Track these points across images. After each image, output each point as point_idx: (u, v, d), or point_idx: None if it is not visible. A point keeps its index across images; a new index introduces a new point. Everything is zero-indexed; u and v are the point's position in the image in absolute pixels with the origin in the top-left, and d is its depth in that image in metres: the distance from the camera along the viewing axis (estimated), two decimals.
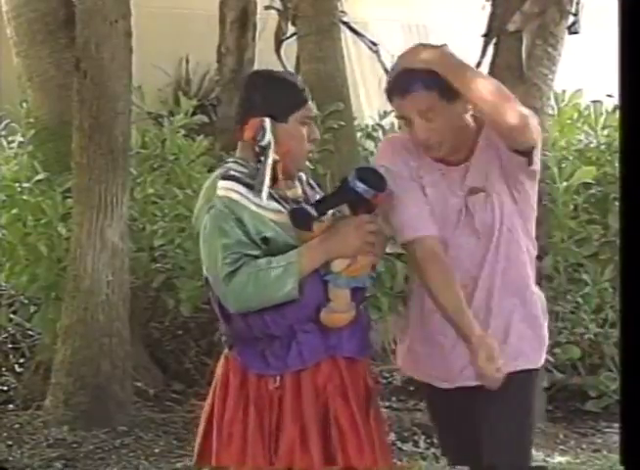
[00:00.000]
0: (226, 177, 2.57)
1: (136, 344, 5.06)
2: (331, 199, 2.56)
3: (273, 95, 2.58)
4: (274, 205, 2.56)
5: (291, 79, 2.64)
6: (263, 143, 2.54)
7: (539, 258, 5.48)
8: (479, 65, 5.62)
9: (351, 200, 2.52)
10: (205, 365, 5.36)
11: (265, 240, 2.53)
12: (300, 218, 2.51)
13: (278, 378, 2.53)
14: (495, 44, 5.62)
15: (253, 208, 2.53)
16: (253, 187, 2.53)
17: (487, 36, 5.63)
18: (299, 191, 2.63)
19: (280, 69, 6.14)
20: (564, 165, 5.51)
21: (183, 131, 5.60)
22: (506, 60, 5.52)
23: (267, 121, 2.55)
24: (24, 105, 5.48)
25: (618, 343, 3.94)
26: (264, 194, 2.52)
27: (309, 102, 2.61)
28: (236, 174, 2.57)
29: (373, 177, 2.50)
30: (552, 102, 5.66)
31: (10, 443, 4.43)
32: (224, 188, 2.56)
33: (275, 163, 2.56)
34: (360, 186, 2.49)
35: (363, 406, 2.57)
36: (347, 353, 2.56)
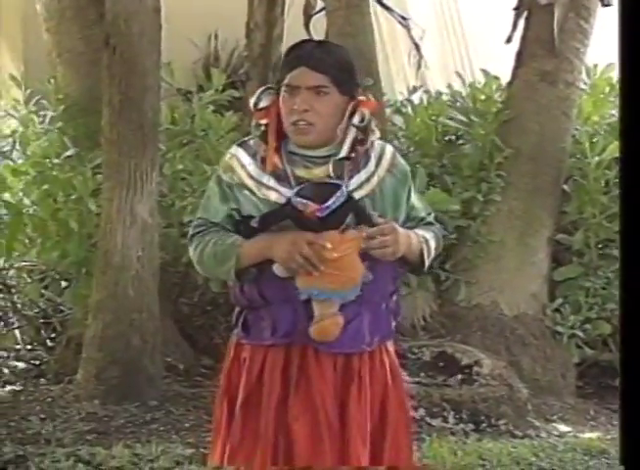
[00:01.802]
0: (239, 144, 2.57)
1: (166, 319, 5.08)
2: (276, 212, 2.47)
3: (280, 64, 2.57)
4: (268, 181, 2.50)
5: (295, 48, 2.54)
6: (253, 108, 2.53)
7: (570, 233, 5.51)
8: (509, 39, 5.58)
9: (290, 215, 2.44)
10: None
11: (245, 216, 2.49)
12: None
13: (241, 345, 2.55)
14: (526, 18, 5.57)
15: (246, 180, 2.51)
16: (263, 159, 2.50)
17: (519, 9, 5.58)
18: (322, 172, 2.50)
19: None
20: (595, 140, 5.46)
21: (212, 107, 5.59)
22: (537, 33, 5.47)
23: (260, 89, 2.53)
24: (54, 81, 5.49)
25: (619, 343, 3.87)
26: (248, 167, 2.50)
27: (298, 69, 2.47)
28: (250, 143, 2.55)
29: (318, 190, 2.42)
30: (584, 76, 5.60)
31: (43, 416, 4.48)
32: (230, 154, 2.56)
33: (267, 131, 2.50)
34: (296, 199, 2.42)
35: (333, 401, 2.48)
36: (323, 347, 2.48)
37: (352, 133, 2.49)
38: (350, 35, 5.35)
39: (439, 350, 4.86)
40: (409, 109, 5.85)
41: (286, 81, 2.49)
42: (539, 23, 5.45)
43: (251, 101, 2.53)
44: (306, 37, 6.09)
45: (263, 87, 2.55)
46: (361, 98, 2.52)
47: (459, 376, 4.69)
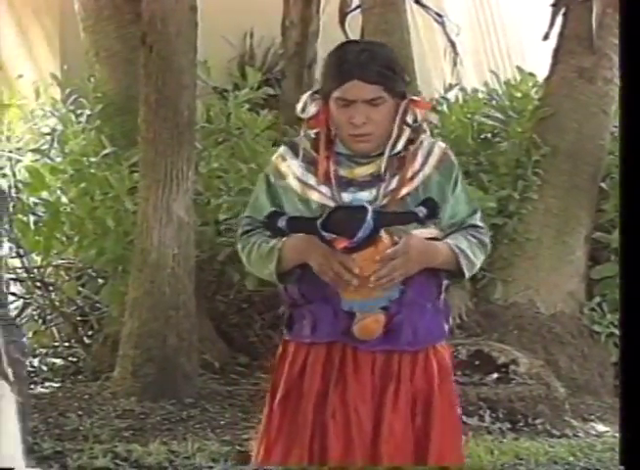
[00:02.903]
0: (287, 143, 2.59)
1: (202, 317, 5.10)
2: (304, 222, 2.46)
3: (323, 70, 2.54)
4: (310, 180, 2.50)
5: (341, 54, 2.50)
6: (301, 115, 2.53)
7: (608, 231, 5.45)
8: (547, 35, 5.54)
9: (321, 238, 2.41)
10: (269, 338, 5.38)
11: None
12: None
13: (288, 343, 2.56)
14: (564, 14, 5.52)
15: (291, 180, 2.52)
16: (309, 160, 2.51)
17: (556, 6, 5.54)
18: (369, 171, 2.50)
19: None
20: None
21: (248, 105, 5.60)
22: (575, 30, 5.43)
23: (306, 95, 2.52)
24: (92, 80, 5.53)
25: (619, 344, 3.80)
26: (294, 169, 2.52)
27: (351, 82, 2.44)
28: (299, 143, 2.55)
29: (344, 218, 2.39)
30: None
31: (80, 413, 4.51)
32: (278, 154, 2.57)
33: (318, 139, 2.50)
34: (323, 233, 2.40)
35: (374, 400, 2.47)
36: (363, 345, 2.47)
37: (406, 133, 2.49)
38: (386, 33, 5.34)
39: (475, 348, 4.83)
40: (445, 106, 5.82)
41: (338, 94, 2.46)
42: (577, 20, 5.40)
43: (298, 107, 2.53)
44: (342, 35, 6.09)
45: (309, 93, 2.54)
46: (414, 98, 2.50)
47: (495, 375, 4.67)
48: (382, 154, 2.50)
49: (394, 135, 2.49)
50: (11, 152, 5.54)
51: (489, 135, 5.67)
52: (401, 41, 5.39)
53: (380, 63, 2.47)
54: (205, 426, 4.41)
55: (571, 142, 5.42)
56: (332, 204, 2.47)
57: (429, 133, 2.56)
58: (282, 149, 2.57)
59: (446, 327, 2.58)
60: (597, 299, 5.33)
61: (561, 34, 5.50)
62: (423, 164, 2.53)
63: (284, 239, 2.50)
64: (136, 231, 4.84)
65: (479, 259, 2.57)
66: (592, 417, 4.85)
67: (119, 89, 5.46)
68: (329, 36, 6.36)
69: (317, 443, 2.49)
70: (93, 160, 5.31)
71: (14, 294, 5.61)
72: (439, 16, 6.65)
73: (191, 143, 4.79)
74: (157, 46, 4.67)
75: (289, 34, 6.34)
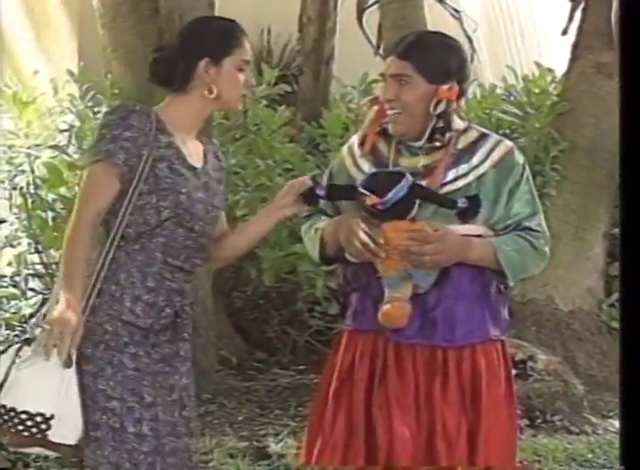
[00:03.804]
0: (358, 132, 2.62)
1: (219, 313, 5.11)
2: (343, 189, 2.50)
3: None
4: (365, 165, 2.53)
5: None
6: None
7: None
8: (565, 31, 5.52)
9: (359, 202, 2.44)
10: (286, 335, 5.39)
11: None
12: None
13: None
14: (583, 9, 5.50)
15: (350, 167, 2.56)
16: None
17: (575, 0, 5.52)
18: (422, 162, 2.49)
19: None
20: None
21: (265, 102, 5.60)
22: (595, 25, 5.41)
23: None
24: (109, 76, 5.53)
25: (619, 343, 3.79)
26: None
27: (389, 58, 2.51)
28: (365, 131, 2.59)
29: (382, 179, 2.42)
30: None
31: None
32: (348, 143, 2.62)
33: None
34: (360, 190, 2.43)
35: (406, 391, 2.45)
36: (397, 336, 2.46)
37: (432, 122, 2.47)
38: (404, 29, 5.31)
39: None
40: (462, 102, 5.80)
41: None
42: (596, 15, 5.38)
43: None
44: (359, 31, 6.09)
45: None
46: (443, 87, 2.48)
47: (513, 371, 4.65)
48: (442, 146, 2.50)
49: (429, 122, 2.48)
50: (29, 148, 5.56)
51: (507, 131, 5.65)
52: None
53: (423, 45, 2.47)
54: (222, 422, 4.42)
55: (590, 138, 5.40)
56: None
57: (461, 123, 2.53)
58: (352, 138, 2.61)
59: (493, 327, 2.51)
60: (615, 295, 5.31)
61: (580, 29, 5.48)
62: (482, 161, 2.50)
63: (327, 220, 2.53)
64: None
65: (528, 262, 2.52)
66: (611, 414, 4.83)
67: (137, 86, 5.46)
68: (346, 33, 6.36)
69: (369, 439, 2.45)
70: None
71: (32, 289, 5.64)
72: (457, 11, 6.63)
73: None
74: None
75: (306, 31, 6.33)
